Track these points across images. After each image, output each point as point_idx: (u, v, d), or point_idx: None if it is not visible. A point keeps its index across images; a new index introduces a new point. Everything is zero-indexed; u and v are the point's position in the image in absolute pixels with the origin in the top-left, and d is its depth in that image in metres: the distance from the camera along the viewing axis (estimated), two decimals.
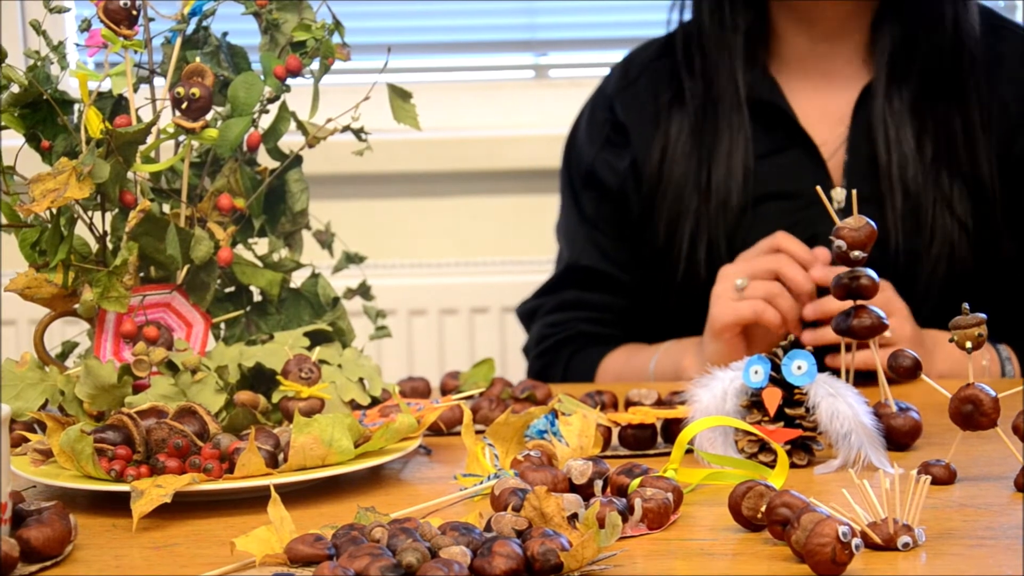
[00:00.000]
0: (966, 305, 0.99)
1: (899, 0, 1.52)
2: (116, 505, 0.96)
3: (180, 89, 1.09)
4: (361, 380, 1.14)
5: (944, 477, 0.96)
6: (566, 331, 1.60)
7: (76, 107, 1.17)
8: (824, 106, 1.57)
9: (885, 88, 1.52)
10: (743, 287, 1.41)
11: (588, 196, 1.63)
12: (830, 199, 1.51)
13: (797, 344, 1.04)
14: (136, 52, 1.15)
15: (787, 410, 1.03)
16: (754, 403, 1.04)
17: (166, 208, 1.19)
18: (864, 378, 1.16)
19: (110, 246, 1.14)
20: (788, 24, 1.57)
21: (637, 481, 0.92)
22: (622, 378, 1.54)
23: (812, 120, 1.56)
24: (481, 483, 0.98)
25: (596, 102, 1.67)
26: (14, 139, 1.15)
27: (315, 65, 1.20)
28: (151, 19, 1.17)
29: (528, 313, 1.66)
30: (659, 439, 1.11)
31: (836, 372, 1.08)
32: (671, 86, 1.59)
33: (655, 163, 1.57)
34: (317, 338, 1.18)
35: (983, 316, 0.98)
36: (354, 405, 1.12)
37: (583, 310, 1.61)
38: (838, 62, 1.57)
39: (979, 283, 1.48)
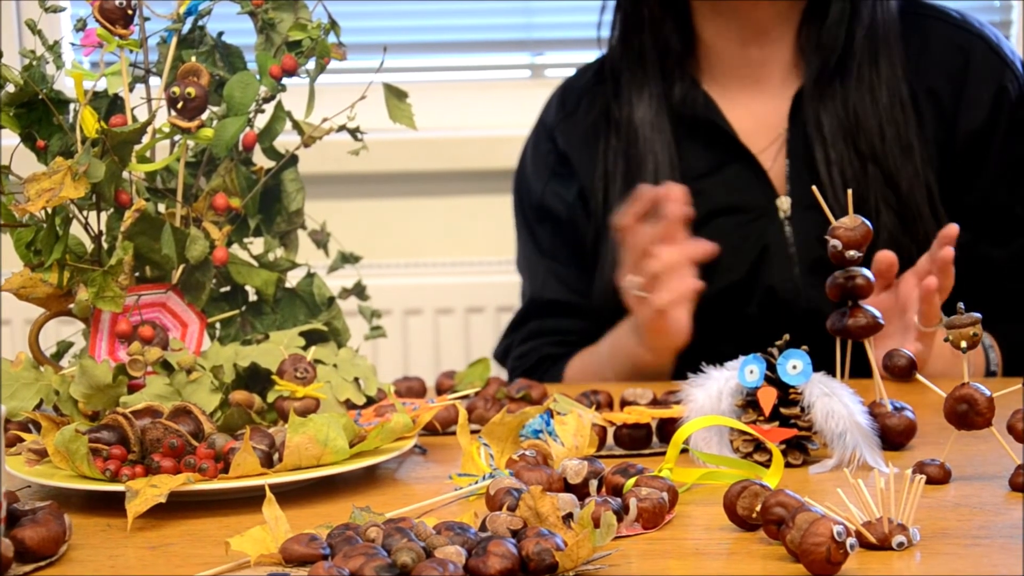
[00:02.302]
0: (961, 304, 0.99)
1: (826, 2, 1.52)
2: (111, 505, 0.95)
3: (176, 89, 1.09)
4: (356, 380, 1.14)
5: (939, 476, 0.96)
6: (532, 359, 1.61)
7: (72, 107, 1.17)
8: (759, 114, 1.57)
9: (814, 92, 1.52)
10: (636, 287, 1.40)
11: (543, 229, 1.63)
12: (776, 209, 1.52)
13: (792, 344, 1.04)
14: (132, 52, 1.15)
15: (782, 409, 1.03)
16: (749, 402, 1.04)
17: (161, 208, 1.19)
18: (859, 376, 1.17)
19: (105, 246, 1.14)
20: (716, 31, 1.56)
21: (632, 481, 0.92)
22: (586, 375, 1.55)
23: (749, 130, 1.56)
24: (476, 483, 0.98)
25: (538, 135, 1.67)
26: (10, 139, 1.15)
27: (311, 65, 1.20)
28: (147, 19, 1.17)
29: (503, 354, 1.67)
30: (654, 439, 1.11)
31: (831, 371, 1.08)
32: (605, 111, 1.59)
33: (599, 197, 1.57)
34: (312, 338, 1.18)
35: (978, 315, 0.98)
36: (349, 405, 1.12)
37: (547, 336, 1.62)
38: (770, 67, 1.57)
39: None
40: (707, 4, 1.55)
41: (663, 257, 1.37)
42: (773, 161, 1.55)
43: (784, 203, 1.53)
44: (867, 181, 1.48)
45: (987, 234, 1.52)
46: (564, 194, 1.61)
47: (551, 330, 1.62)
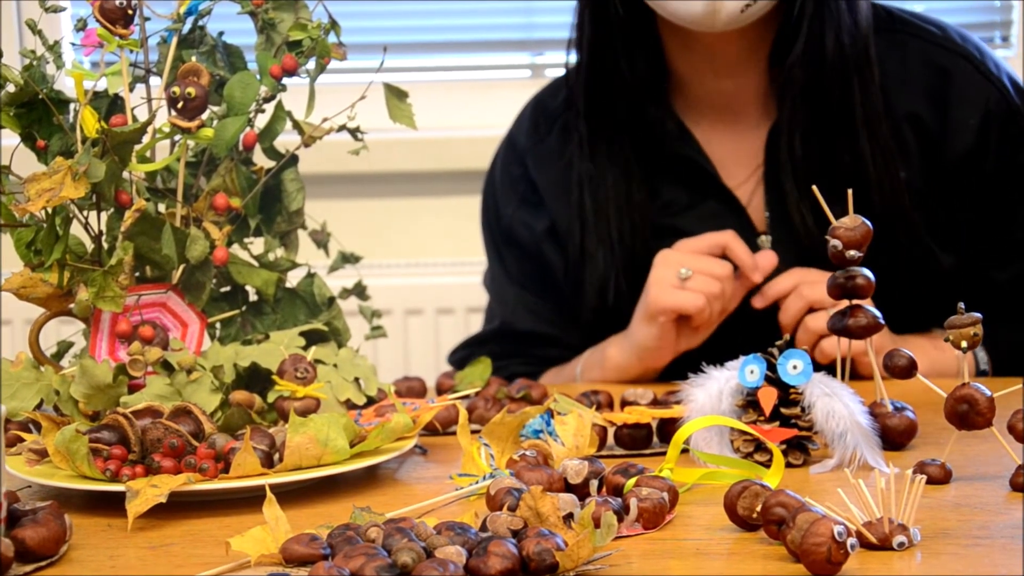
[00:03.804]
0: (962, 305, 0.99)
1: (794, 30, 1.46)
2: (111, 505, 0.95)
3: (176, 88, 1.09)
4: (357, 380, 1.14)
5: (939, 476, 0.96)
6: (500, 376, 1.59)
7: (72, 106, 1.17)
8: (736, 146, 1.53)
9: (789, 126, 1.48)
10: (687, 277, 1.41)
11: (511, 254, 1.62)
12: (756, 247, 1.50)
13: (793, 344, 1.04)
14: (132, 51, 1.15)
15: (783, 410, 1.03)
16: (750, 402, 1.04)
17: (162, 208, 1.19)
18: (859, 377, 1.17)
19: (105, 246, 1.14)
20: (689, 63, 1.52)
21: (633, 481, 0.92)
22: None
23: (725, 163, 1.53)
24: (477, 483, 0.98)
25: (509, 154, 1.64)
26: (10, 138, 1.15)
27: (311, 64, 1.20)
28: (147, 18, 1.17)
29: (459, 363, 1.63)
30: (655, 439, 1.11)
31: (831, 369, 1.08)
32: (578, 144, 1.55)
33: (576, 240, 1.55)
34: (313, 338, 1.18)
35: (978, 316, 0.98)
36: (350, 405, 1.12)
37: (516, 357, 1.60)
38: (744, 98, 1.53)
39: (913, 300, 1.48)
40: (678, 39, 1.51)
41: (721, 265, 1.42)
42: (751, 195, 1.52)
43: (765, 242, 1.50)
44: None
45: (986, 257, 1.50)
46: (532, 224, 1.59)
47: (519, 352, 1.60)
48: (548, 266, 1.59)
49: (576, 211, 1.55)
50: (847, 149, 1.46)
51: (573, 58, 1.56)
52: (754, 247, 1.49)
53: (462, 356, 1.64)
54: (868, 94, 1.47)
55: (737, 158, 1.53)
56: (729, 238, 1.44)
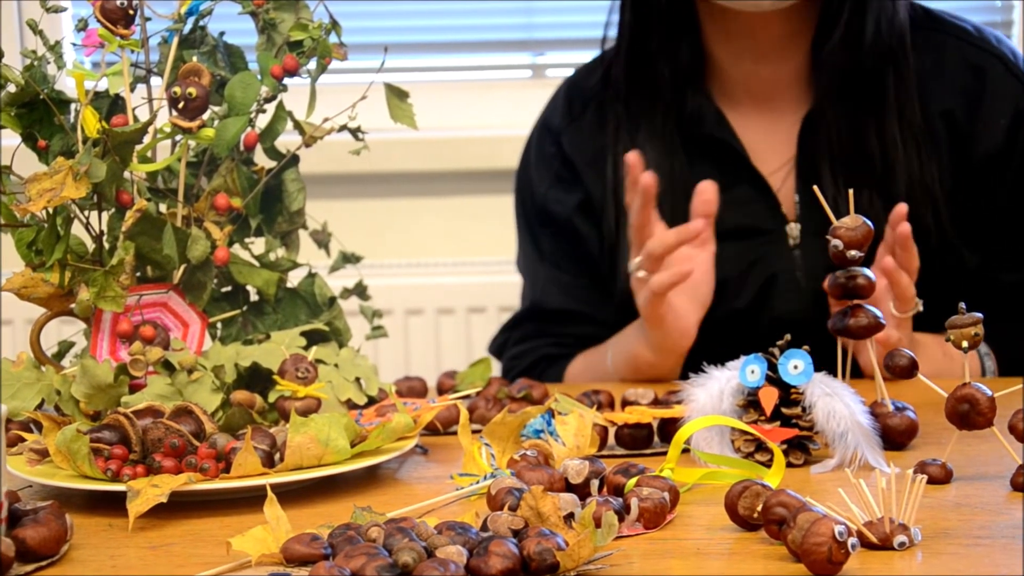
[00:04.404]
0: (963, 304, 0.99)
1: (835, 18, 1.47)
2: (112, 505, 0.95)
3: (177, 89, 1.09)
4: (357, 380, 1.14)
5: (940, 476, 0.96)
6: (530, 358, 1.59)
7: (73, 107, 1.17)
8: (770, 133, 1.54)
9: (822, 119, 1.49)
10: (638, 268, 1.39)
11: (545, 233, 1.61)
12: (785, 235, 1.50)
13: (794, 344, 1.04)
14: (133, 51, 1.15)
15: (783, 409, 1.03)
16: (750, 402, 1.04)
17: (163, 208, 1.19)
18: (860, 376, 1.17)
19: (106, 246, 1.14)
20: (728, 50, 1.53)
21: (633, 481, 0.92)
22: (587, 375, 1.54)
23: (759, 150, 1.53)
24: (477, 483, 0.98)
25: (542, 135, 1.64)
26: (11, 138, 1.15)
27: (312, 64, 1.20)
28: (148, 19, 1.17)
29: (497, 349, 1.65)
30: (655, 439, 1.11)
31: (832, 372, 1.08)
32: (615, 125, 1.56)
33: (611, 215, 1.55)
34: (314, 338, 1.18)
35: (979, 316, 0.98)
36: (350, 405, 1.12)
37: (547, 337, 1.60)
38: (781, 85, 1.53)
39: (935, 294, 1.48)
40: (718, 23, 1.52)
41: (662, 238, 1.37)
42: (782, 183, 1.52)
43: (794, 230, 1.50)
44: (874, 212, 1.43)
45: (1000, 258, 1.50)
46: (566, 200, 1.59)
47: (550, 332, 1.60)
48: (582, 241, 1.58)
49: (612, 191, 1.55)
50: (876, 134, 1.47)
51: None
52: (783, 234, 1.50)
53: (500, 342, 1.65)
54: (902, 82, 1.48)
55: (771, 146, 1.54)
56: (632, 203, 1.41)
